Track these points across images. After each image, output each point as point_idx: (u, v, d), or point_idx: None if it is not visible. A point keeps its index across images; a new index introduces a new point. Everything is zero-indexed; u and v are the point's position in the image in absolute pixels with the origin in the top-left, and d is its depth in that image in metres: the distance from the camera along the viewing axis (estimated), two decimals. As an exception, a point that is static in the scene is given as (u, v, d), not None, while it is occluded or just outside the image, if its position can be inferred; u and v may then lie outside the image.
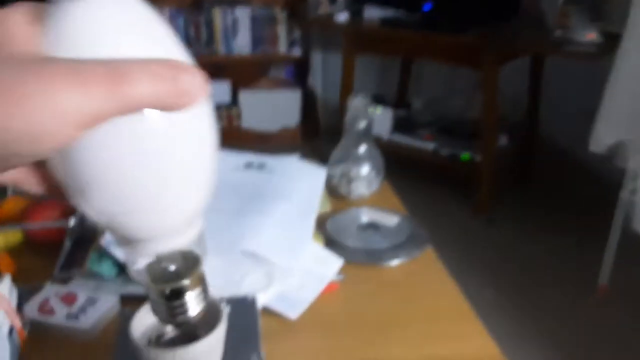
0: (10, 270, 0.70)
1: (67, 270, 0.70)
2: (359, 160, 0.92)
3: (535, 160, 2.74)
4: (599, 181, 2.61)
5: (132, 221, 0.29)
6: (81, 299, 0.64)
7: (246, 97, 2.96)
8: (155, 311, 0.35)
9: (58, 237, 0.73)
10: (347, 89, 2.53)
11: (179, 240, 0.33)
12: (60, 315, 0.62)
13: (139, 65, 0.23)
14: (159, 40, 0.26)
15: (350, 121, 0.91)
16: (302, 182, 0.84)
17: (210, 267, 0.60)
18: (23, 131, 0.21)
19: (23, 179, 0.28)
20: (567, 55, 2.09)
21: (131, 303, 0.64)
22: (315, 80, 3.19)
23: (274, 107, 2.98)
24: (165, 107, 0.24)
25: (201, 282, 0.37)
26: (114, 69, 0.22)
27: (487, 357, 0.56)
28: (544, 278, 1.94)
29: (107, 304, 0.64)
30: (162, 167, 0.27)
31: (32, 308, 0.62)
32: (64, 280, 0.69)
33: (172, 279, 0.36)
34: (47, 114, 0.21)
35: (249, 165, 0.88)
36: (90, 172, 0.26)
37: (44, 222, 0.72)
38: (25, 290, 0.67)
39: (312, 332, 0.61)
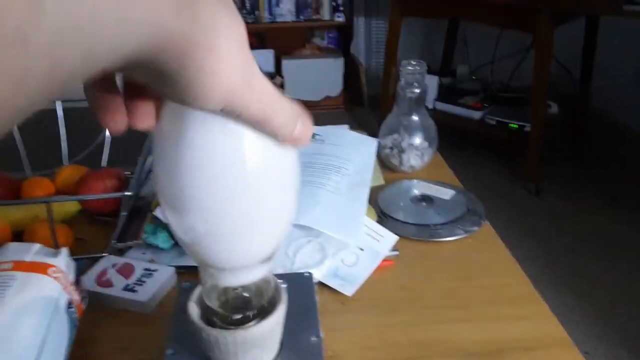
0: (69, 240, 0.70)
1: (123, 242, 0.71)
2: (411, 130, 0.89)
3: (587, 131, 2.63)
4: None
5: (215, 246, 0.31)
6: (138, 271, 0.64)
7: (289, 66, 2.93)
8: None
9: (115, 206, 0.73)
10: (391, 55, 2.46)
11: (251, 275, 0.35)
12: (117, 287, 0.62)
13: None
14: None
15: (403, 88, 0.87)
16: (354, 152, 0.82)
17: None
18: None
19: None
20: (627, 14, 1.95)
21: (187, 274, 0.65)
22: (358, 47, 3.13)
23: (316, 75, 2.95)
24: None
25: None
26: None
27: (555, 342, 0.53)
28: (594, 251, 1.88)
29: (164, 275, 0.64)
30: (258, 200, 0.30)
31: (90, 280, 0.63)
32: (121, 252, 0.70)
33: (240, 307, 0.38)
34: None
35: (299, 137, 0.86)
36: (192, 189, 0.29)
37: (100, 193, 0.72)
38: (83, 262, 0.68)
39: (367, 309, 0.60)
